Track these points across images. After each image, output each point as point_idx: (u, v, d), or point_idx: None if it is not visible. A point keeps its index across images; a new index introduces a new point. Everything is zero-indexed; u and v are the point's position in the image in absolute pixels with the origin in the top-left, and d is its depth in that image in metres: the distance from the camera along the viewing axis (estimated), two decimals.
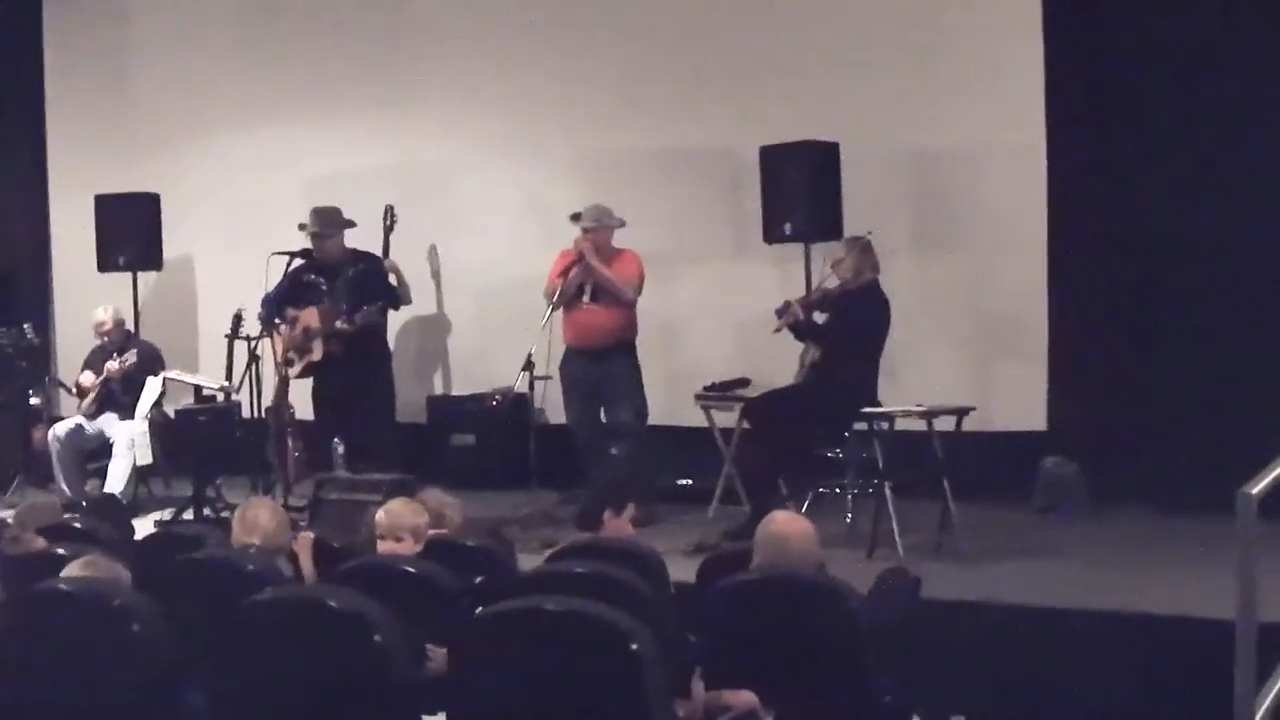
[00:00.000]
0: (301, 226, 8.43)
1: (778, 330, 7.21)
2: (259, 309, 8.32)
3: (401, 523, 4.93)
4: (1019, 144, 7.83)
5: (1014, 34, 7.86)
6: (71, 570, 4.08)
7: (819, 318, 7.30)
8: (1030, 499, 7.66)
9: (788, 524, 4.51)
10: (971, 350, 8.15)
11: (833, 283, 7.23)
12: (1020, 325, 7.95)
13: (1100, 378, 7.66)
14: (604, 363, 7.92)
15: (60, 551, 4.61)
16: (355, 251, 8.43)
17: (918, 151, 8.21)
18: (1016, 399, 7.86)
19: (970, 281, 8.16)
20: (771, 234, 8.07)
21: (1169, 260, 7.47)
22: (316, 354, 8.22)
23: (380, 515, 5.00)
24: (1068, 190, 7.77)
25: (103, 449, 8.62)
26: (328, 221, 8.34)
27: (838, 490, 7.52)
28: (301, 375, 8.36)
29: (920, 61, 8.14)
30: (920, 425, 6.74)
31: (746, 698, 3.89)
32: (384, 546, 4.89)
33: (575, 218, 7.94)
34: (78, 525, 5.57)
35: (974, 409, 6.87)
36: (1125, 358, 7.60)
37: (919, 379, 7.71)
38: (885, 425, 6.85)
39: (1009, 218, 7.95)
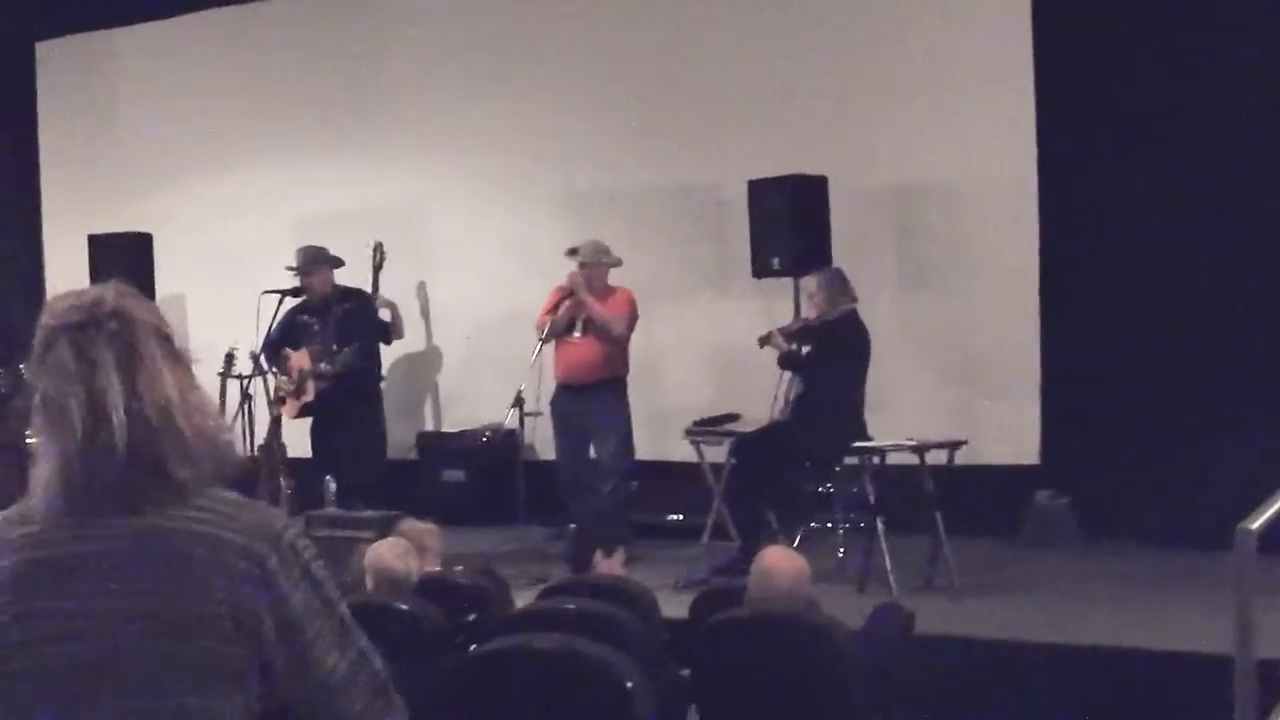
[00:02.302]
0: (289, 268, 8.49)
1: (763, 345, 7.24)
2: (258, 350, 8.37)
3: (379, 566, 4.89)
4: (1010, 177, 7.86)
5: (1005, 66, 7.89)
6: None
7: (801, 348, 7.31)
8: (1022, 533, 7.66)
9: (779, 560, 4.52)
10: (963, 384, 8.16)
11: (811, 314, 7.24)
12: (1012, 359, 7.96)
13: (1093, 412, 7.66)
14: (592, 399, 7.89)
15: None
16: (344, 289, 8.50)
17: (907, 184, 8.24)
18: (1008, 433, 7.87)
19: (961, 315, 8.18)
20: (759, 268, 8.07)
21: (1163, 294, 7.47)
22: (309, 395, 8.28)
23: (368, 559, 4.97)
24: (1060, 223, 7.78)
25: None
26: (311, 259, 8.42)
27: (829, 525, 7.51)
28: (299, 416, 8.40)
29: (910, 94, 8.18)
30: (912, 459, 6.74)
31: None
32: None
33: (572, 252, 7.95)
34: None
35: (966, 443, 6.88)
36: (1119, 391, 7.59)
37: (910, 413, 7.71)
38: (876, 460, 6.85)
39: (1000, 251, 7.97)
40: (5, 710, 1.74)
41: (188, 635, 1.72)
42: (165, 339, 1.85)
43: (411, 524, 5.65)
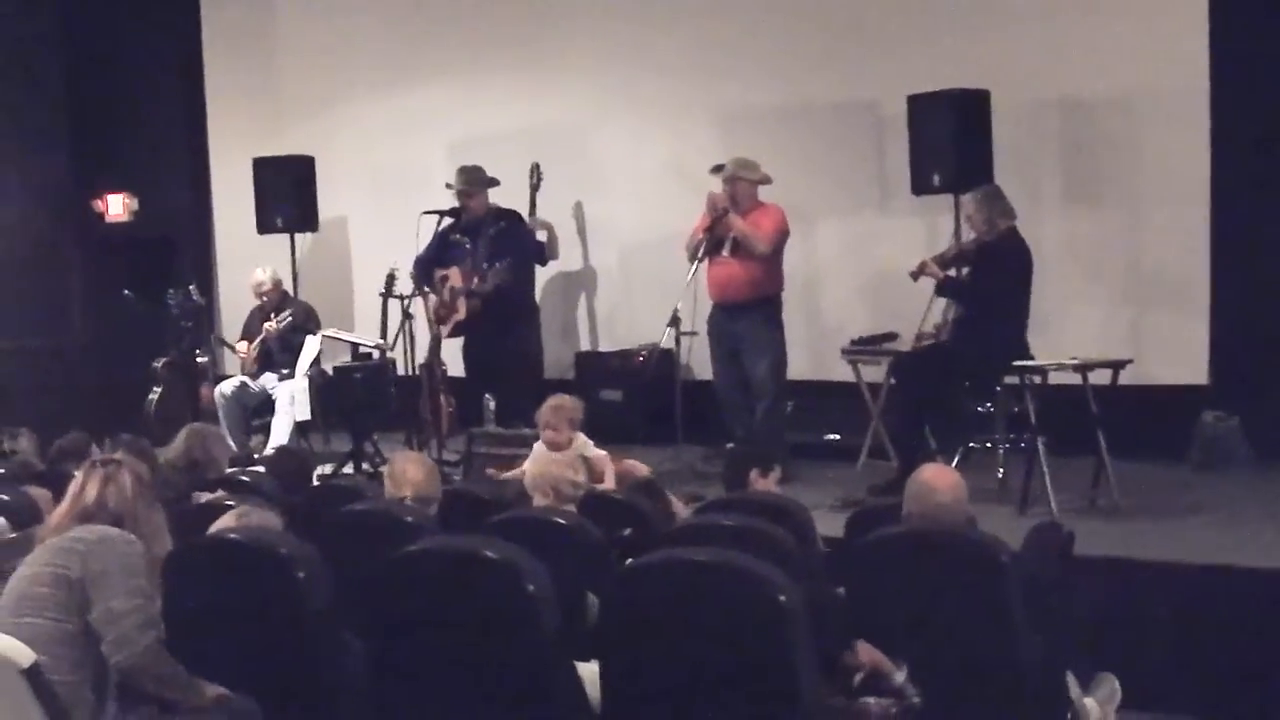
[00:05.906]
0: (448, 185, 8.62)
1: (916, 278, 7.16)
2: (412, 270, 8.54)
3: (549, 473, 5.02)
4: (1180, 90, 7.59)
5: None
6: (224, 521, 4.19)
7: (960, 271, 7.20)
8: (1188, 454, 7.48)
9: (937, 476, 4.48)
10: (1129, 303, 7.96)
11: (969, 237, 7.12)
12: (1180, 277, 7.74)
13: (1265, 330, 7.43)
14: (742, 318, 7.86)
15: (230, 503, 4.77)
16: (498, 209, 8.61)
17: (1072, 98, 8.01)
18: (1176, 352, 7.67)
19: (1127, 232, 7.96)
20: (919, 185, 7.94)
21: None
22: (461, 313, 8.41)
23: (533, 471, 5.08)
24: (1232, 136, 7.51)
25: (265, 405, 8.90)
26: (472, 180, 8.54)
27: (989, 445, 7.41)
28: (452, 335, 8.55)
29: (1075, 3, 7.93)
30: (1074, 379, 6.60)
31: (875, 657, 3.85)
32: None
33: (717, 169, 7.91)
34: (245, 478, 5.76)
35: (1131, 362, 6.72)
36: None
37: (1073, 332, 7.56)
38: (1038, 379, 6.73)
39: (1169, 167, 7.73)
40: None
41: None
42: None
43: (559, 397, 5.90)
